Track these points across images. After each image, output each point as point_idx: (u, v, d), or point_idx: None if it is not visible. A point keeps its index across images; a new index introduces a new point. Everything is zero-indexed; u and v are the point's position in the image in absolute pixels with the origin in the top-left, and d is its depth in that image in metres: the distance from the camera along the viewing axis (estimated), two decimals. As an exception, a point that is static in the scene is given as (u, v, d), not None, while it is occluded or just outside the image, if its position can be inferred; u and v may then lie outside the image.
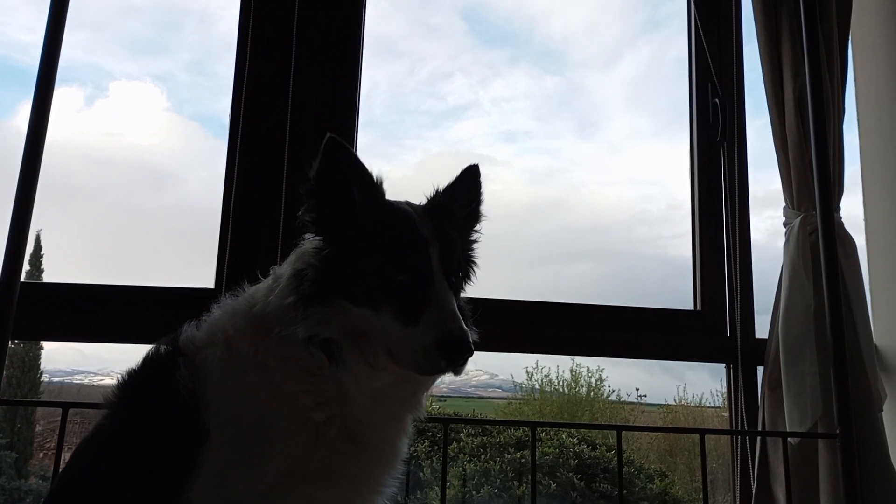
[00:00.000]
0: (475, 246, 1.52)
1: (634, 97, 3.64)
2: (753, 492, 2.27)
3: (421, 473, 3.33)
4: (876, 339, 2.44)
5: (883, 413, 2.28)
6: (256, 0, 2.50)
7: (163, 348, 1.39)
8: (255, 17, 2.48)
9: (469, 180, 1.52)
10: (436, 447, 3.30)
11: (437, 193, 1.48)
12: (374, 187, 1.36)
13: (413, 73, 3.50)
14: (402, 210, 1.37)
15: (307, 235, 1.37)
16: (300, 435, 1.26)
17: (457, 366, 1.25)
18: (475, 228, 1.53)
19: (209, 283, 2.39)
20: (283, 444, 1.25)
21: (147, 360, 1.40)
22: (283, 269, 1.38)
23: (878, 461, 2.16)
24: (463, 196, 1.50)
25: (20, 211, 1.89)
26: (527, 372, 4.68)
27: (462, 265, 1.42)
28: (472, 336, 1.26)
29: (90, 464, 1.34)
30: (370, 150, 2.61)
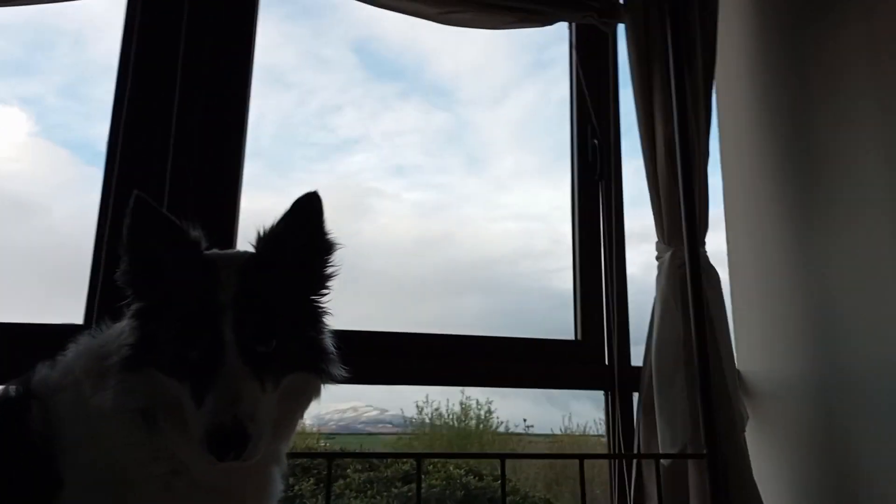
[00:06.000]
0: (328, 280, 1.37)
1: (520, 136, 3.78)
2: (630, 514, 2.36)
3: (306, 512, 3.25)
4: (738, 364, 2.62)
5: (745, 433, 2.44)
6: (141, 21, 2.42)
7: (12, 390, 1.28)
8: (138, 39, 2.40)
9: (304, 211, 1.33)
10: (321, 485, 3.23)
11: (262, 237, 1.32)
12: (187, 246, 1.26)
13: (303, 105, 3.49)
14: (208, 271, 1.23)
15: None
16: (148, 485, 1.20)
17: (227, 460, 1.09)
18: (326, 260, 1.36)
19: (78, 318, 2.25)
20: (134, 493, 1.19)
21: None
22: None
23: (742, 479, 2.30)
24: (299, 230, 1.33)
25: None
26: (417, 406, 4.67)
27: (278, 329, 1.23)
28: (253, 427, 1.11)
29: None
30: (257, 181, 2.56)
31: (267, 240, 1.32)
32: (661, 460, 2.26)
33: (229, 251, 1.38)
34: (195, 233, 1.30)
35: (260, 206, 2.59)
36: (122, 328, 1.31)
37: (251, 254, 1.32)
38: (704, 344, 2.26)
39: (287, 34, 3.12)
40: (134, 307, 1.28)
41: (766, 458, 2.51)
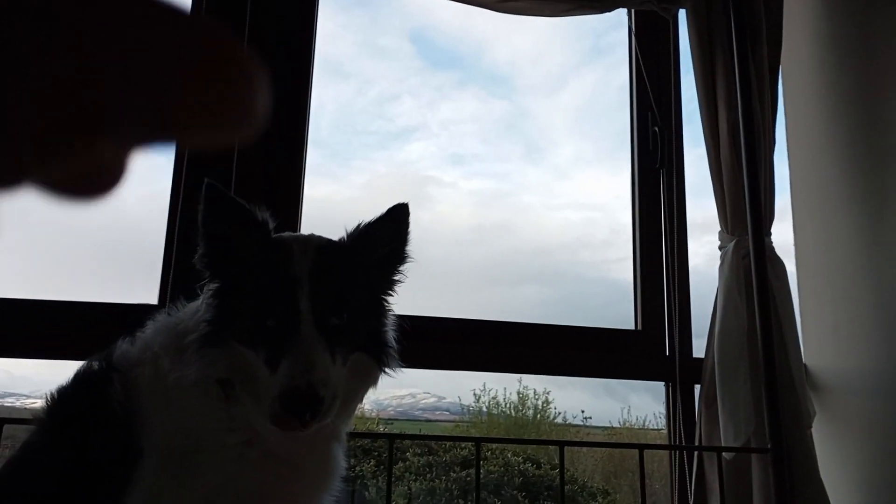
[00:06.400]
0: (395, 286, 1.47)
1: (579, 123, 3.75)
2: (691, 507, 2.33)
3: (366, 493, 3.32)
4: (805, 358, 2.55)
5: (812, 430, 2.38)
6: (206, 11, 2.49)
7: (95, 364, 1.37)
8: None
9: (395, 219, 1.44)
10: (381, 466, 3.29)
11: (357, 227, 1.42)
12: (256, 227, 1.33)
13: (361, 94, 3.54)
14: (281, 249, 1.31)
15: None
16: (222, 454, 1.27)
17: (302, 422, 1.15)
18: (398, 268, 1.46)
19: (153, 298, 2.35)
20: (209, 462, 1.25)
21: (79, 376, 1.38)
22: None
23: (807, 475, 2.25)
24: (385, 234, 1.43)
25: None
26: (474, 394, 4.70)
27: (347, 306, 1.31)
28: (326, 391, 1.17)
29: (18, 482, 1.30)
30: (317, 169, 2.63)
31: (357, 232, 1.41)
32: (724, 454, 2.22)
33: (301, 234, 1.46)
34: (263, 215, 1.37)
35: (321, 193, 2.64)
36: (196, 307, 1.39)
37: (328, 239, 1.42)
38: (770, 336, 2.21)
39: (344, 24, 3.16)
40: (211, 287, 1.35)
41: (833, 455, 2.44)
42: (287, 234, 1.41)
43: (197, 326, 1.32)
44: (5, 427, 1.88)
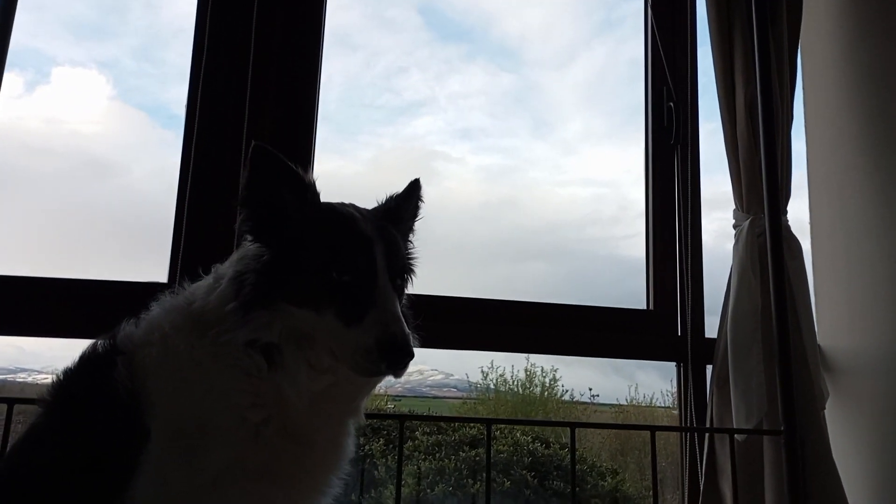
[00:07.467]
0: (412, 259, 1.52)
1: (589, 98, 3.68)
2: (701, 488, 2.31)
3: (375, 472, 3.32)
4: (819, 339, 2.51)
5: (826, 412, 2.35)
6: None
7: (100, 346, 1.35)
8: (213, 2, 2.43)
9: (413, 193, 1.53)
10: (390, 445, 3.29)
11: (387, 199, 1.50)
12: (306, 189, 1.35)
13: (369, 67, 3.47)
14: (345, 211, 1.37)
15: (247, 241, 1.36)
16: (237, 432, 1.25)
17: (397, 369, 1.24)
18: (410, 240, 1.54)
19: (162, 277, 2.33)
20: (221, 440, 1.23)
21: (84, 358, 1.36)
22: (225, 270, 1.37)
23: (820, 457, 2.22)
24: (409, 209, 1.52)
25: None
26: (482, 371, 4.70)
27: (406, 268, 1.43)
28: (414, 341, 1.26)
29: (25, 464, 1.29)
30: (324, 144, 2.58)
31: (392, 200, 1.49)
32: (736, 436, 2.20)
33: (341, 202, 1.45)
34: (311, 177, 1.38)
35: (326, 169, 2.60)
36: (209, 285, 1.37)
37: (376, 207, 1.47)
38: (784, 316, 2.17)
39: (352, -5, 3.09)
40: (258, 252, 1.33)
41: (846, 437, 2.41)
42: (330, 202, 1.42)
43: (219, 302, 1.30)
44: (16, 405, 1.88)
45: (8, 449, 1.37)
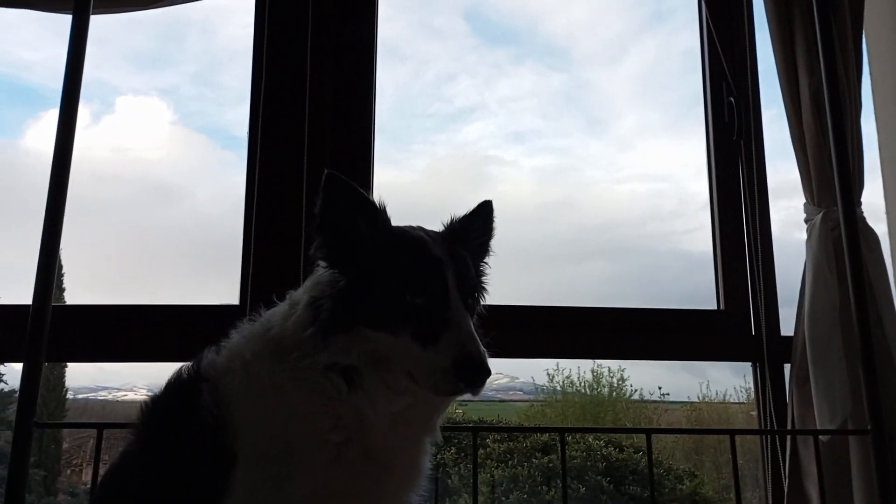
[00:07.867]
0: (484, 278, 1.54)
1: (642, 92, 3.63)
2: (785, 490, 2.26)
3: (449, 481, 3.34)
4: (903, 332, 2.42)
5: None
6: (270, 8, 2.50)
7: (185, 374, 1.41)
8: (269, 24, 2.49)
9: (483, 214, 1.56)
10: (463, 454, 3.31)
11: (452, 221, 1.52)
12: (378, 215, 1.39)
13: (418, 76, 3.50)
14: (415, 235, 1.40)
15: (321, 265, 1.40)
16: (320, 455, 1.28)
17: (475, 387, 1.26)
18: (484, 261, 1.56)
19: (233, 299, 2.39)
20: (306, 464, 1.27)
21: (170, 386, 1.43)
22: (299, 296, 1.42)
23: (910, 456, 2.14)
24: (477, 228, 1.54)
25: (49, 233, 1.91)
26: (548, 374, 4.68)
27: (477, 287, 1.46)
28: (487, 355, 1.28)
29: (121, 491, 1.36)
30: (379, 156, 2.62)
31: (459, 222, 1.51)
32: (820, 437, 2.14)
33: (410, 225, 1.48)
34: (381, 203, 1.41)
35: (382, 180, 2.64)
36: (284, 311, 1.41)
37: (445, 229, 1.49)
38: (865, 311, 2.09)
39: (399, 6, 3.13)
40: (333, 278, 1.36)
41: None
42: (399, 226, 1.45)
43: (297, 328, 1.34)
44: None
45: (103, 473, 1.44)
